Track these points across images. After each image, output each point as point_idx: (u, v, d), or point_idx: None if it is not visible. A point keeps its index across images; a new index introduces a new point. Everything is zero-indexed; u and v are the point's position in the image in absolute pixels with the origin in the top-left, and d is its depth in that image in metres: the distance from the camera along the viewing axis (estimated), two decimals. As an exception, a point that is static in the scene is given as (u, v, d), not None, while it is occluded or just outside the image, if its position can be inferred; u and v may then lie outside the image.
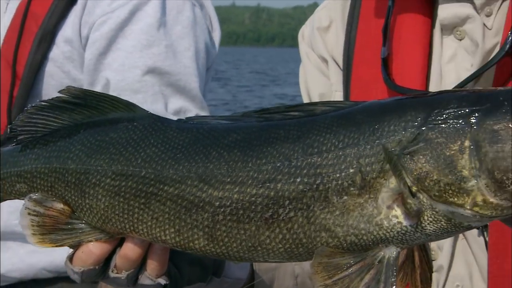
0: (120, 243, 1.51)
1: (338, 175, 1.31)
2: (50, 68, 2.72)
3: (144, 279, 1.54)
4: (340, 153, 1.32)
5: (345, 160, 1.31)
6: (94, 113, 1.51)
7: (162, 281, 1.54)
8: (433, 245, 1.83)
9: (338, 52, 1.99)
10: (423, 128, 1.28)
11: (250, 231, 1.37)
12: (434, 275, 1.82)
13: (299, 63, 2.15)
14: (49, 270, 2.73)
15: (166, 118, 1.50)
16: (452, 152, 1.26)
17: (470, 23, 1.80)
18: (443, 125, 1.27)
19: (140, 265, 1.53)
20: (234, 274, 1.73)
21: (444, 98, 1.30)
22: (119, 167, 1.45)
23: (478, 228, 1.75)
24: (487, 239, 1.74)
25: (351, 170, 1.31)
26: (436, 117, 1.28)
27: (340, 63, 1.98)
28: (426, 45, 1.86)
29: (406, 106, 1.31)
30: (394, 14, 1.86)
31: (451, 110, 1.27)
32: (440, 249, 1.82)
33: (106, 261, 1.52)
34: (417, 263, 1.41)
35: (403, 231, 1.30)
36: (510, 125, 1.24)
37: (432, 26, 1.86)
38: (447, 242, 1.80)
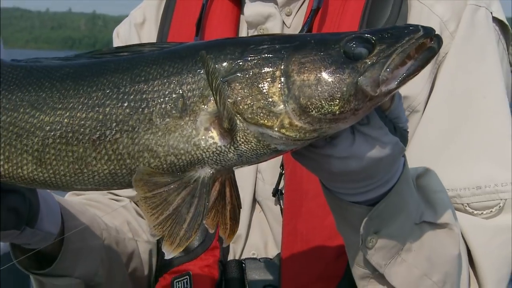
0: None
1: (162, 99, 1.47)
2: None
3: None
4: (165, 80, 1.47)
5: (169, 86, 1.47)
6: None
7: None
8: None
9: None
10: (240, 61, 1.47)
11: (77, 153, 1.48)
12: (232, 245, 1.98)
13: None
14: None
15: None
16: (265, 80, 1.45)
17: (271, 21, 2.03)
18: (257, 58, 1.46)
19: None
20: (46, 227, 1.79)
21: (259, 38, 1.50)
22: None
23: (274, 196, 1.94)
24: (282, 206, 1.92)
25: (174, 95, 1.46)
26: (251, 51, 1.47)
27: None
28: None
29: (226, 43, 1.50)
30: (207, 11, 2.07)
31: (265, 46, 1.47)
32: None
33: None
34: (228, 199, 1.53)
35: (217, 151, 1.46)
36: (315, 58, 1.45)
37: (240, 23, 2.08)
38: (244, 214, 1.97)
